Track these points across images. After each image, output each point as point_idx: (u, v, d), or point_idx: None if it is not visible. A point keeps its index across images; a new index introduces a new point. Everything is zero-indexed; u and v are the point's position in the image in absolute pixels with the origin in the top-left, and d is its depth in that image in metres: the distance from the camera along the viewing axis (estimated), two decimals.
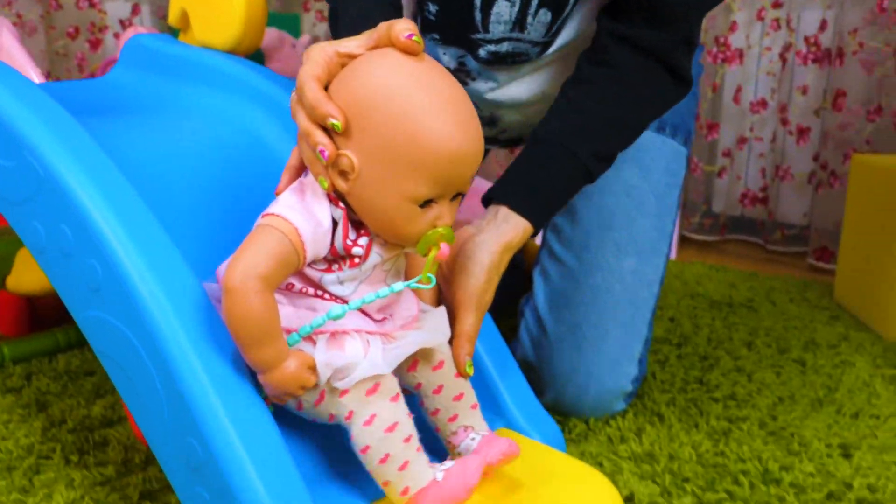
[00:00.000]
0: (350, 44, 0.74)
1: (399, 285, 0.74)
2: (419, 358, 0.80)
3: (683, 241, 2.31)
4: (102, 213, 0.77)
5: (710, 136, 2.24)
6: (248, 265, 0.69)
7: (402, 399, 0.73)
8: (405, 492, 0.70)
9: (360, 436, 0.71)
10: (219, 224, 0.95)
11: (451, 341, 0.83)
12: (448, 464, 0.72)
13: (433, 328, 0.80)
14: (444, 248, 0.73)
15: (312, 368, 0.72)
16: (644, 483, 0.97)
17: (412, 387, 0.80)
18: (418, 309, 0.80)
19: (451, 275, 0.89)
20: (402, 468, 0.71)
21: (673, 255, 2.17)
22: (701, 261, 2.08)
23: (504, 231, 0.92)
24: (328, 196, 0.74)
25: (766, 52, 2.14)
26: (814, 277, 1.95)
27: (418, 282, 0.73)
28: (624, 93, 0.99)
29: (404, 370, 0.80)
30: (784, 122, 2.13)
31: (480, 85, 1.20)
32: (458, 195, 0.73)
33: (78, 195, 0.78)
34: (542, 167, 0.96)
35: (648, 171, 1.18)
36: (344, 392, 0.72)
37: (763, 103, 2.17)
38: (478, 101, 1.22)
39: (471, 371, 0.82)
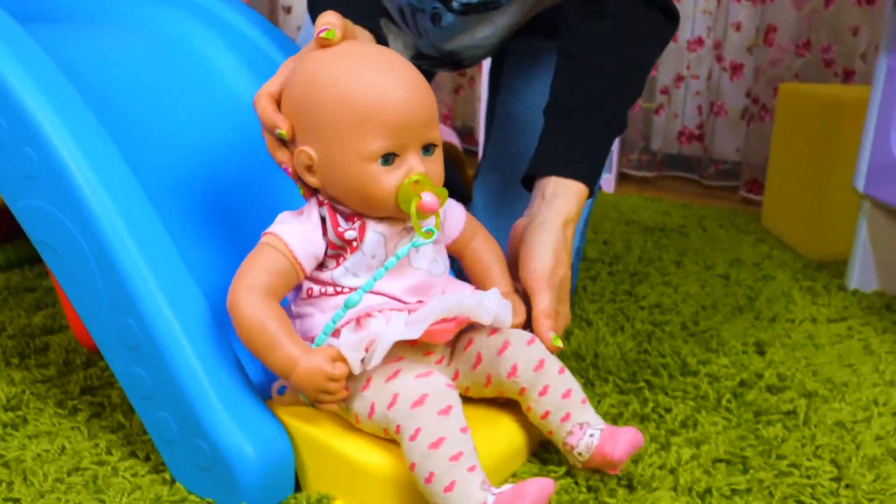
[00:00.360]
0: (300, 53, 0.79)
1: (403, 249, 0.73)
2: (518, 362, 0.77)
3: (622, 177, 2.36)
4: (36, 101, 0.79)
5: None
6: (239, 281, 0.74)
7: (455, 412, 0.69)
8: None
9: (408, 452, 0.68)
10: (148, 118, 0.97)
11: (531, 328, 0.84)
12: (506, 487, 0.66)
13: (474, 300, 0.76)
14: (427, 197, 0.72)
15: (339, 359, 0.72)
16: None
17: (516, 392, 0.78)
18: (473, 293, 0.79)
19: (516, 267, 0.90)
20: (447, 489, 0.65)
21: (611, 190, 2.22)
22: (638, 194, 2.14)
23: (558, 207, 0.91)
24: (316, 200, 0.78)
25: None
26: (745, 208, 2.02)
27: (422, 237, 0.73)
28: (630, 42, 1.00)
29: (504, 377, 0.78)
30: (719, 59, 2.18)
31: (444, 32, 1.22)
32: (431, 147, 0.75)
33: (11, 84, 0.79)
34: (577, 131, 0.96)
35: None
36: (391, 404, 0.70)
37: (699, 41, 2.21)
38: (438, 45, 1.25)
39: (558, 343, 0.82)
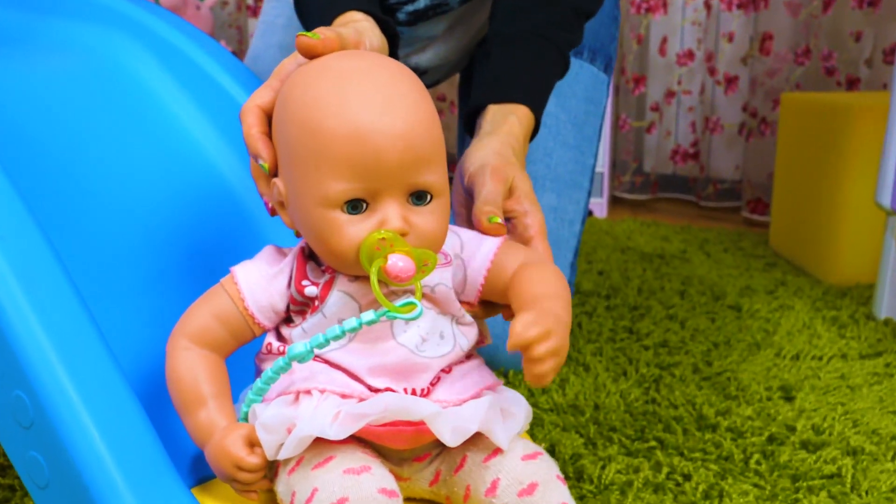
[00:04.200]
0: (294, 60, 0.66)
1: (368, 314, 0.55)
2: (501, 478, 0.57)
3: (614, 201, 2.22)
4: None
5: (637, 90, 2.15)
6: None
7: None
8: None
9: None
10: (71, 154, 0.82)
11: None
12: None
13: (429, 409, 0.56)
14: (396, 261, 0.54)
15: (254, 443, 0.57)
16: (567, 434, 0.87)
17: None
18: (484, 389, 0.61)
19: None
20: None
21: (604, 215, 2.08)
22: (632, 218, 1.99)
23: (502, 131, 0.76)
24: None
25: (691, 0, 2.06)
26: (749, 230, 1.87)
27: (400, 309, 0.54)
28: None
29: (482, 493, 0.58)
30: (712, 71, 2.05)
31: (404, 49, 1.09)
32: (424, 194, 0.57)
33: None
34: (521, 59, 0.83)
35: (565, 98, 1.07)
36: (309, 499, 0.54)
37: (690, 54, 2.08)
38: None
39: (496, 220, 0.65)
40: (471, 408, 0.58)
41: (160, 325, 0.73)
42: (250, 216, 0.87)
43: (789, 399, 0.95)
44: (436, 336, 0.60)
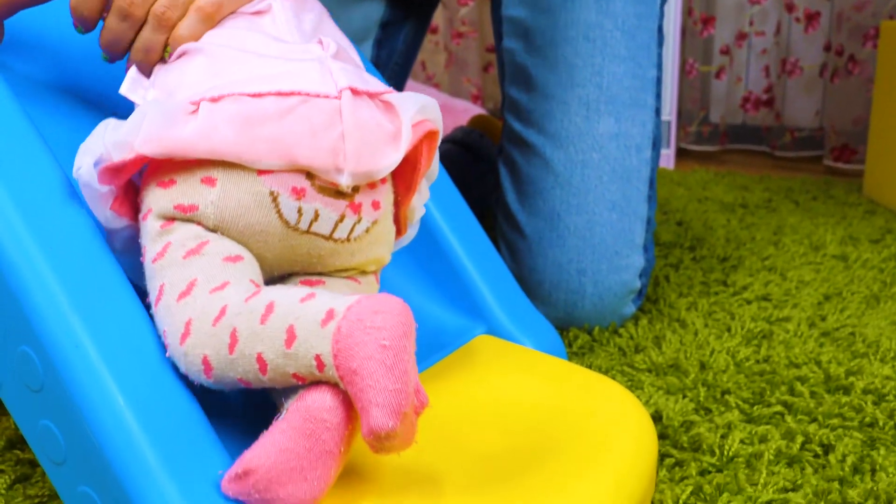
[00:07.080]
0: None
1: None
2: None
3: (680, 153, 2.07)
4: None
5: (706, 31, 1.99)
6: None
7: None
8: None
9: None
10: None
11: None
12: None
13: None
14: None
15: None
16: (673, 399, 0.73)
17: None
18: None
19: None
20: None
21: (672, 167, 1.93)
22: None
23: None
24: None
25: None
26: (835, 179, 1.72)
27: None
28: None
29: None
30: (790, 8, 1.88)
31: None
32: None
33: None
34: None
35: (607, 2, 0.91)
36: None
37: None
38: None
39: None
40: None
41: None
42: None
43: None
44: None
